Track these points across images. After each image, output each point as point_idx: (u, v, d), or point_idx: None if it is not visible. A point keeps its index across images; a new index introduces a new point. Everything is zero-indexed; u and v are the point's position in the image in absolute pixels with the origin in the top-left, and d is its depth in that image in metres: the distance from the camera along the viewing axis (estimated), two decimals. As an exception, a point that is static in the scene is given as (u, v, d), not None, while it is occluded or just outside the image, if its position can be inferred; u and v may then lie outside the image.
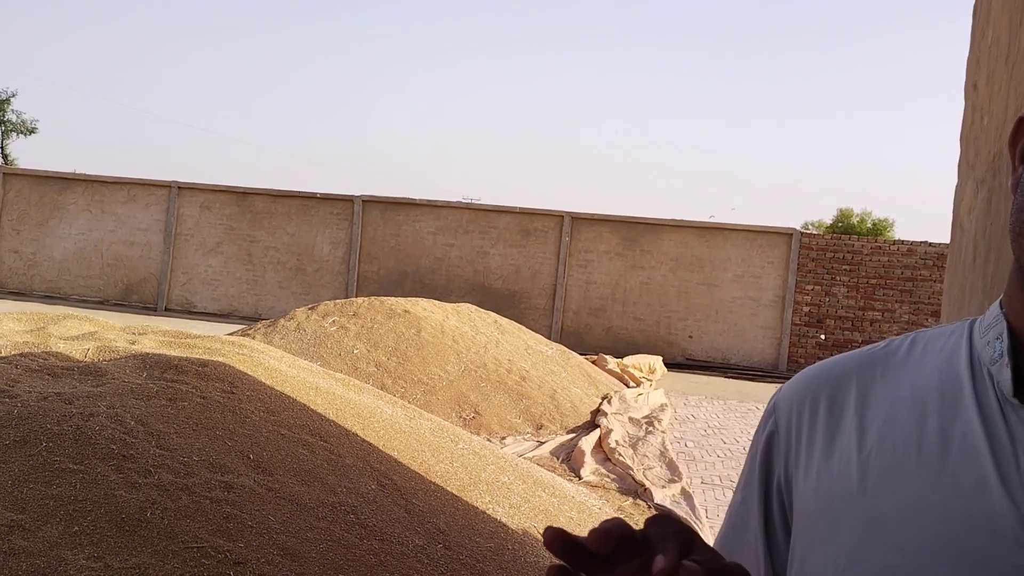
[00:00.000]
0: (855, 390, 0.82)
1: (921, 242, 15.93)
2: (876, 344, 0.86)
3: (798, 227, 16.50)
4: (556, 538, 0.60)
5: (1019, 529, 0.67)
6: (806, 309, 16.00)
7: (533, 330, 12.58)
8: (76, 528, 2.94)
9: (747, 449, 0.83)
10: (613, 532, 0.60)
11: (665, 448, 8.03)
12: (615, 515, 5.93)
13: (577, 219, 16.88)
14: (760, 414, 0.84)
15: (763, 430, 0.88)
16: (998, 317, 0.77)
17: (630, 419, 9.16)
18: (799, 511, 0.81)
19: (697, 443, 8.84)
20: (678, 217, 16.54)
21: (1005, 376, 0.73)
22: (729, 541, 0.89)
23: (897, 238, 18.49)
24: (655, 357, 14.49)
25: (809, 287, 16.00)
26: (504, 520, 4.53)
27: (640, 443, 8.15)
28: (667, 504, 6.34)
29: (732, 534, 0.89)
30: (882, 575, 0.72)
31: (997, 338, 0.75)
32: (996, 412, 0.73)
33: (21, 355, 4.35)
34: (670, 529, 0.63)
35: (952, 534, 0.70)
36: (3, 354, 4.44)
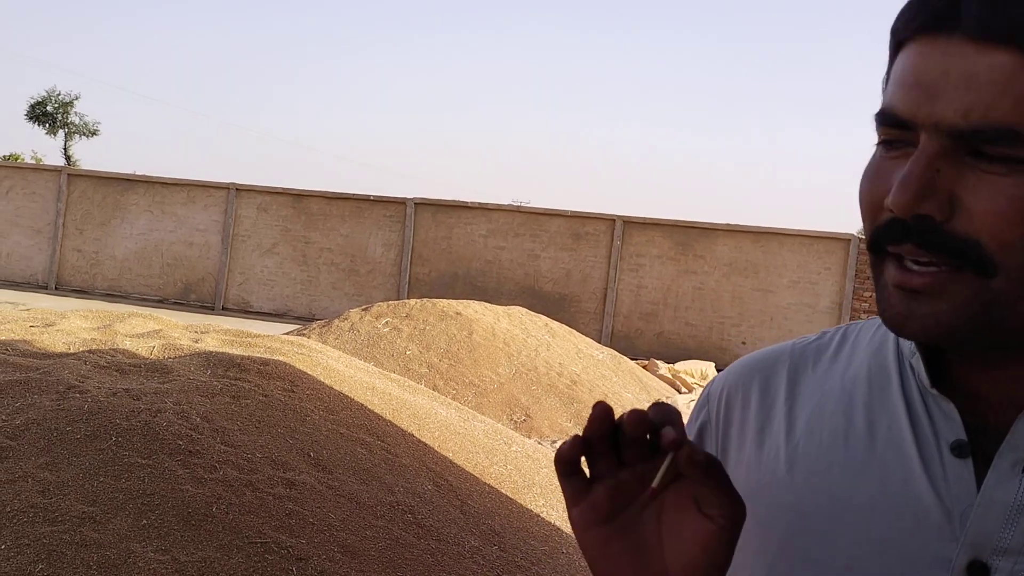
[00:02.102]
0: (786, 380, 0.81)
1: (983, 249, 15.55)
2: (810, 336, 0.86)
3: (856, 232, 16.21)
4: (606, 414, 0.64)
5: (943, 520, 0.67)
6: (864, 316, 15.71)
7: (583, 334, 12.55)
8: (145, 521, 3.02)
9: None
10: (645, 417, 0.64)
11: (718, 455, 7.95)
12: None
13: (629, 223, 16.81)
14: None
15: (695, 420, 0.87)
16: None
17: (682, 425, 9.09)
18: None
19: (750, 450, 8.73)
20: (732, 221, 16.38)
21: (921, 367, 0.72)
22: None
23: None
24: (707, 363, 14.35)
25: (867, 294, 15.71)
26: (558, 524, 4.54)
27: (693, 449, 8.08)
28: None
29: None
30: (810, 568, 0.72)
31: None
32: (919, 403, 0.72)
33: (90, 352, 4.48)
34: (673, 410, 0.65)
35: (878, 526, 0.70)
36: (72, 351, 4.57)
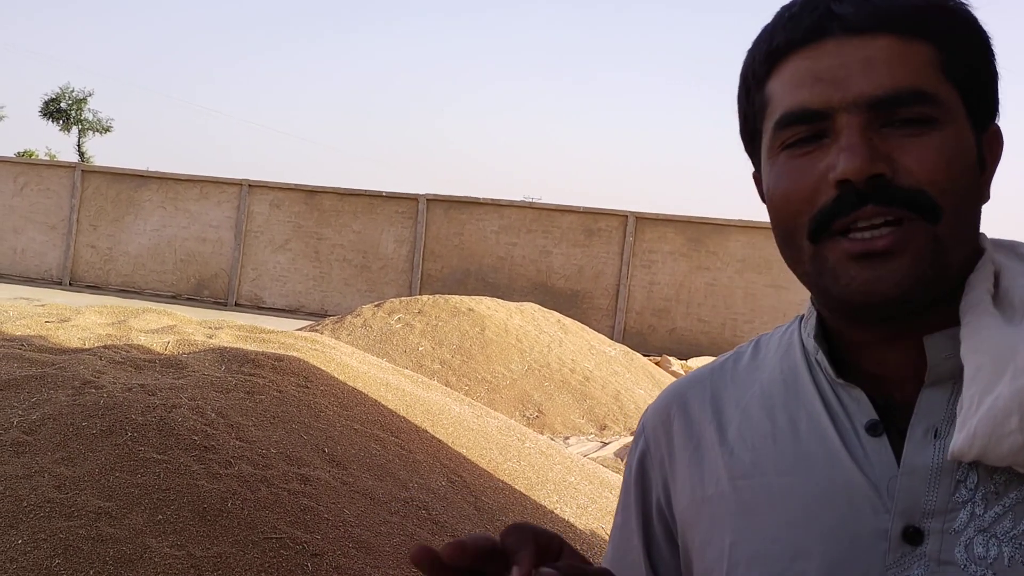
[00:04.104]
0: (709, 397, 0.86)
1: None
2: (727, 353, 0.91)
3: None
4: (423, 555, 0.62)
5: (873, 496, 0.72)
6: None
7: (596, 330, 12.53)
8: (160, 516, 3.02)
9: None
10: (467, 545, 0.62)
11: (731, 452, 7.92)
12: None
13: (641, 219, 16.77)
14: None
15: (635, 451, 0.91)
16: (811, 310, 0.83)
17: (695, 421, 9.07)
18: (683, 523, 0.85)
19: (764, 447, 8.70)
20: (745, 217, 16.31)
21: (825, 361, 0.78)
22: (616, 563, 0.91)
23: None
24: (720, 359, 14.28)
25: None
26: (572, 520, 4.53)
27: (706, 446, 8.06)
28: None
29: (617, 555, 0.91)
30: (761, 564, 0.76)
31: (814, 327, 0.81)
32: (831, 394, 0.78)
33: (105, 347, 4.50)
34: (526, 537, 0.64)
35: (815, 513, 0.74)
36: (87, 346, 4.59)
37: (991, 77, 0.75)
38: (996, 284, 0.74)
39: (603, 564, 0.93)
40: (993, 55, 0.75)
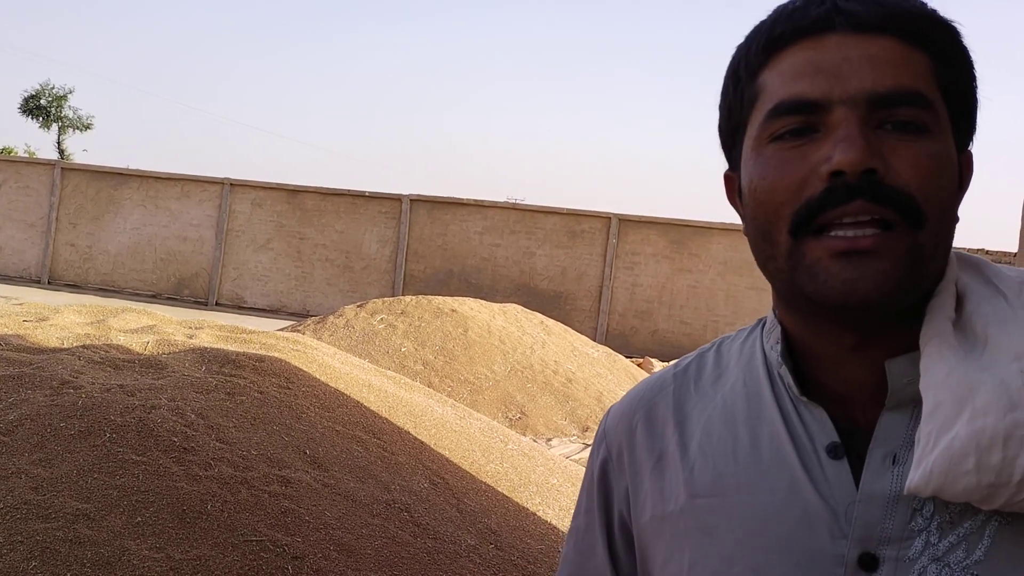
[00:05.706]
0: (672, 406, 0.85)
1: (978, 249, 15.59)
2: (689, 355, 0.89)
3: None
4: None
5: (832, 521, 0.72)
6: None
7: (578, 332, 12.54)
8: (139, 519, 2.99)
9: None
10: None
11: (713, 454, 7.94)
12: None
13: (624, 221, 16.80)
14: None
15: (597, 455, 0.90)
16: (774, 322, 0.81)
17: (677, 423, 9.08)
18: (643, 537, 0.83)
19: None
20: (727, 220, 16.38)
21: (789, 378, 0.77)
22: (576, 566, 0.90)
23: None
24: (702, 361, 14.32)
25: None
26: (554, 523, 4.52)
27: (688, 448, 8.07)
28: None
29: (579, 559, 0.90)
30: None
31: (777, 342, 0.79)
32: (792, 412, 0.77)
33: (83, 347, 4.45)
34: None
35: (775, 535, 0.74)
36: (66, 346, 4.54)
37: (975, 100, 0.76)
38: (960, 306, 0.73)
39: (562, 564, 0.92)
40: (977, 80, 0.76)
